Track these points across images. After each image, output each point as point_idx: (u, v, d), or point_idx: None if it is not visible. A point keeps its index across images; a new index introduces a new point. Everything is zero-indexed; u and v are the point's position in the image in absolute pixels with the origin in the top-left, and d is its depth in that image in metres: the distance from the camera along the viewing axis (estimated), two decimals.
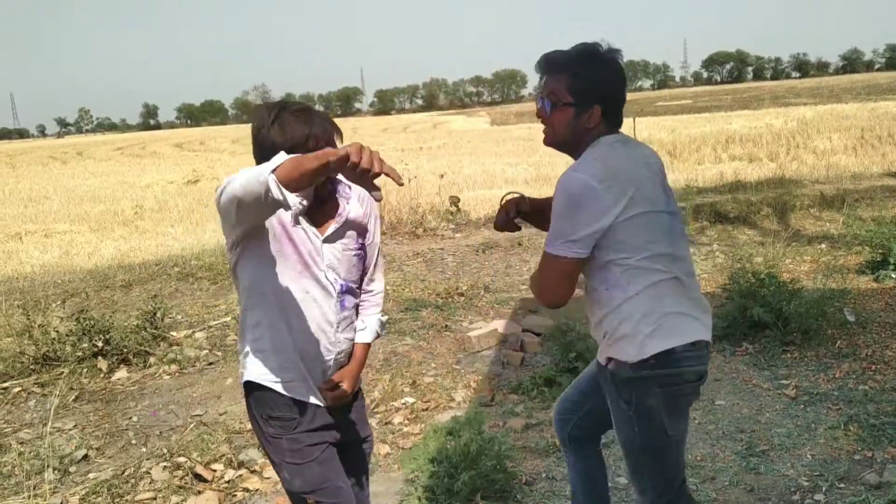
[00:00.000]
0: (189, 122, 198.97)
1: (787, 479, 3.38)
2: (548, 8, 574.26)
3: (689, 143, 22.52)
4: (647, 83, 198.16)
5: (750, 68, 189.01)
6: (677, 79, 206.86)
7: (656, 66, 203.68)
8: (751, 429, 3.90)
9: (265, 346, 2.19)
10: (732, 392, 4.41)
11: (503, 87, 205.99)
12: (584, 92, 2.09)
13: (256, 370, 2.19)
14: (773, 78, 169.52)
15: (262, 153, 2.06)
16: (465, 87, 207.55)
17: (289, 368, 2.19)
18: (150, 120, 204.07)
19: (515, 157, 23.92)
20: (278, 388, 2.18)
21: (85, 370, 5.40)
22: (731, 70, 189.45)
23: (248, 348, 2.22)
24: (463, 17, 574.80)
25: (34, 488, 3.81)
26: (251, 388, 2.22)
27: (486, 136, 36.50)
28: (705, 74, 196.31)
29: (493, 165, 20.93)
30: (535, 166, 20.30)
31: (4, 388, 5.24)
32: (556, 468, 3.63)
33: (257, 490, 3.69)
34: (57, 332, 5.67)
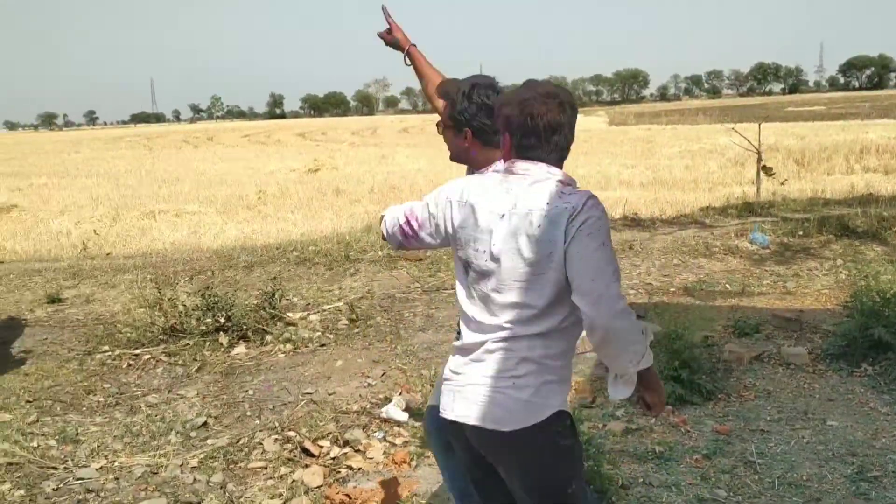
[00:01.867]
0: (312, 112, 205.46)
1: None
2: (671, 8, 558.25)
3: (819, 152, 21.44)
4: (777, 87, 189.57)
5: (893, 74, 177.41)
6: (811, 83, 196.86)
7: (788, 69, 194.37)
8: (864, 452, 3.74)
9: (568, 376, 2.14)
10: (846, 413, 4.24)
11: (623, 87, 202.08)
12: (456, 119, 2.54)
13: (565, 399, 2.13)
14: None
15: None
16: (585, 86, 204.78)
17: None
18: (275, 109, 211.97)
19: (632, 158, 23.49)
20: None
21: (207, 343, 5.75)
22: (872, 76, 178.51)
23: (559, 377, 2.09)
24: (586, 15, 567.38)
25: (159, 448, 4.13)
26: (554, 414, 2.09)
27: (603, 135, 35.92)
28: (842, 80, 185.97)
29: (609, 167, 20.63)
30: (653, 169, 19.90)
31: (136, 355, 5.65)
32: (654, 474, 3.61)
33: (360, 469, 3.85)
34: (184, 306, 6.06)
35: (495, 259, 2.04)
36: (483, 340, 2.09)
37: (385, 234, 2.40)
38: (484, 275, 2.07)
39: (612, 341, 1.92)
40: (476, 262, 2.09)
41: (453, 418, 2.14)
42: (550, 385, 2.05)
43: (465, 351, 2.14)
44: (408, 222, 2.28)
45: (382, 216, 2.42)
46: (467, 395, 2.10)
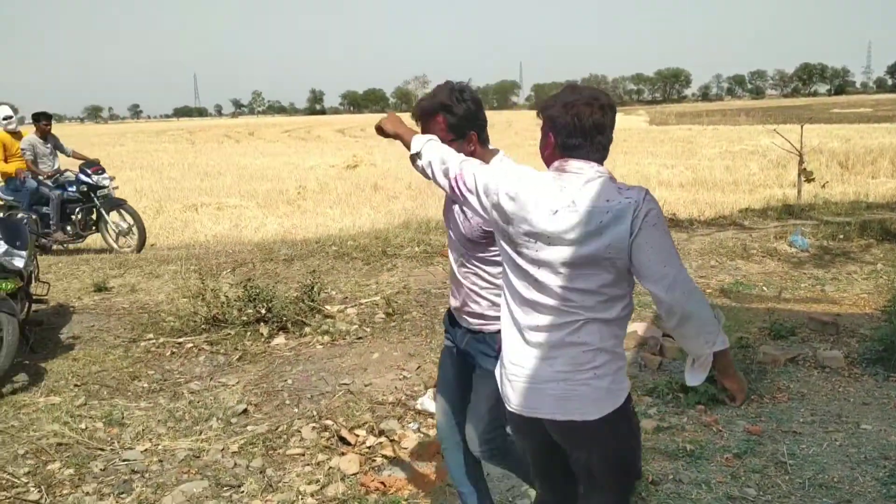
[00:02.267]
0: (352, 108, 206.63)
1: None
2: (714, 6, 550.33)
3: (864, 155, 20.98)
4: (823, 88, 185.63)
5: None
6: (858, 84, 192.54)
7: (835, 70, 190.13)
8: None
9: (626, 360, 2.27)
10: (880, 418, 4.22)
11: (665, 86, 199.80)
12: (460, 125, 2.53)
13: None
14: None
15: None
16: (626, 85, 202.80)
17: None
18: (315, 105, 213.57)
19: (673, 158, 23.24)
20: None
21: (248, 333, 5.90)
22: None
23: (624, 362, 2.23)
24: (626, 14, 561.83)
25: (201, 433, 4.27)
26: (627, 397, 2.23)
27: (643, 135, 35.55)
28: (890, 81, 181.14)
29: (648, 166, 20.46)
30: (693, 169, 19.70)
31: (179, 343, 5.82)
32: (683, 472, 3.65)
33: (395, 458, 3.95)
34: (226, 297, 6.22)
35: (551, 250, 2.12)
36: (545, 324, 2.17)
37: (432, 175, 2.41)
38: (537, 265, 2.15)
39: (690, 321, 2.06)
40: (527, 251, 2.17)
41: (534, 415, 2.22)
42: (621, 370, 2.21)
43: (521, 338, 2.22)
44: (457, 180, 2.33)
45: (419, 151, 2.44)
46: (549, 392, 2.18)
